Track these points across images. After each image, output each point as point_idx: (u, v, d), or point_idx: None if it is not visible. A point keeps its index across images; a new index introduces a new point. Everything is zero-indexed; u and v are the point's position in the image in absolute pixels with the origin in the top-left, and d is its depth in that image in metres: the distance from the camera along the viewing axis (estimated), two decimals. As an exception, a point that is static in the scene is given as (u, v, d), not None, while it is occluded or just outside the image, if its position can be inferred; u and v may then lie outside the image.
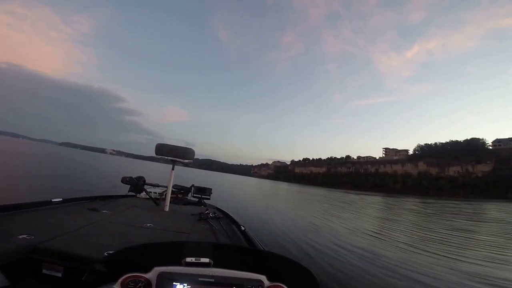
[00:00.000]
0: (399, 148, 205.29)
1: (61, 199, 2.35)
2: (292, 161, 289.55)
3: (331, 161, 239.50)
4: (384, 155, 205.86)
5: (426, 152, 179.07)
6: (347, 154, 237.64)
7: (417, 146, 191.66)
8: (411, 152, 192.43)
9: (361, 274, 5.50)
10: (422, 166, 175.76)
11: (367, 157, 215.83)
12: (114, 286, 0.76)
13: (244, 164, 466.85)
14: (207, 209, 2.88)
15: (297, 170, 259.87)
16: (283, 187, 55.02)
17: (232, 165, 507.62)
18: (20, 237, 1.34)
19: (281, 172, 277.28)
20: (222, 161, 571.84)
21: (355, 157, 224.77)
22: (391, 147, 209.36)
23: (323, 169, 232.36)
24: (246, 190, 33.19)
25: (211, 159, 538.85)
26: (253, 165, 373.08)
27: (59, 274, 1.20)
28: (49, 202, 2.21)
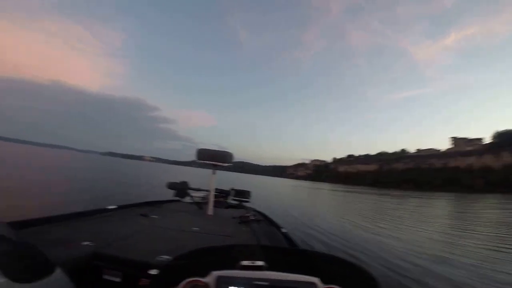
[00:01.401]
0: (470, 137, 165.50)
1: (115, 206, 2.52)
2: (334, 159, 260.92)
3: (382, 156, 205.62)
4: (453, 146, 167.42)
5: (508, 140, 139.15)
6: (401, 148, 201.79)
7: (496, 133, 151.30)
8: (487, 140, 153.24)
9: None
10: (507, 157, 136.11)
11: (429, 149, 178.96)
12: None
13: (278, 165, 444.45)
14: (247, 212, 2.96)
15: (341, 168, 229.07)
16: (326, 189, 49.21)
17: (265, 166, 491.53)
18: (83, 243, 1.41)
19: (321, 171, 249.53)
20: (254, 163, 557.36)
21: (413, 151, 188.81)
22: (459, 136, 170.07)
23: (373, 166, 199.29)
24: (281, 192, 27.74)
25: (243, 161, 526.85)
26: (288, 165, 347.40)
27: (118, 279, 1.25)
28: (106, 210, 2.38)
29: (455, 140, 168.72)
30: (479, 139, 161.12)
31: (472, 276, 4.99)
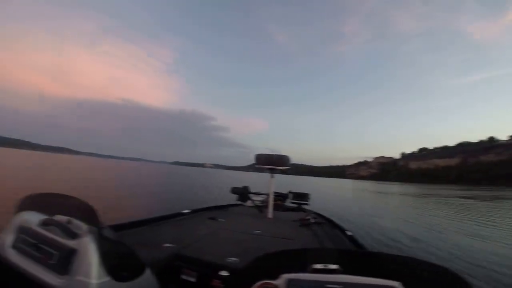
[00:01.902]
0: None
1: (189, 211, 2.73)
2: (404, 154, 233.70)
3: (465, 147, 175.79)
4: None
5: None
6: (489, 136, 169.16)
7: None
8: None
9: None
10: None
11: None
12: None
13: (335, 165, 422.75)
14: (307, 215, 2.96)
15: (413, 165, 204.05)
16: (398, 192, 35.75)
17: (322, 167, 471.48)
18: (165, 245, 1.53)
19: (389, 170, 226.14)
20: (309, 164, 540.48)
21: (505, 138, 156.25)
22: None
23: (454, 160, 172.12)
24: (342, 197, 22.44)
25: (297, 163, 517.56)
26: (347, 165, 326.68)
27: (193, 279, 1.33)
28: (181, 214, 2.59)
29: None
30: None
31: None
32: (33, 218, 0.94)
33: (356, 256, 1.11)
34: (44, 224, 0.91)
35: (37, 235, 0.90)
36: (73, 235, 0.83)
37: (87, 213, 0.87)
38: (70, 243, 0.82)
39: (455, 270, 0.83)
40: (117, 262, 0.86)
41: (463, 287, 0.81)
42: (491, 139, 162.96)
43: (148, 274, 0.95)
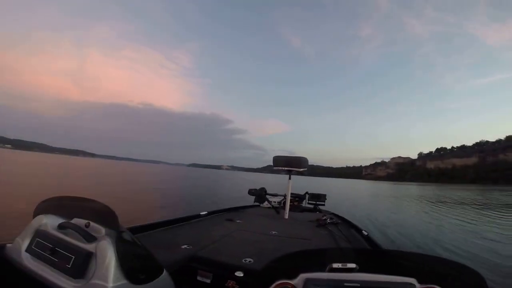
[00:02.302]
0: None
1: (206, 212, 2.73)
2: (421, 154, 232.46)
3: (483, 146, 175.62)
4: None
5: None
6: (507, 135, 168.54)
7: None
8: None
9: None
10: None
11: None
12: None
13: (352, 165, 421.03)
14: (324, 215, 2.97)
15: (430, 165, 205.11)
16: (419, 192, 37.53)
17: (338, 168, 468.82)
18: (182, 247, 1.55)
19: (406, 170, 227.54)
20: (325, 165, 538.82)
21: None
22: None
23: (472, 160, 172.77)
24: (358, 198, 23.60)
25: (313, 165, 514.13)
26: (364, 165, 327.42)
27: (209, 281, 1.32)
28: (198, 215, 2.59)
29: None
30: None
31: None
32: (50, 222, 0.93)
33: (372, 254, 1.18)
34: (61, 227, 0.90)
35: (54, 239, 0.89)
36: (91, 239, 0.82)
37: (106, 216, 0.86)
38: (88, 246, 0.82)
39: (467, 264, 0.86)
40: (135, 264, 0.86)
41: (476, 280, 0.83)
42: (509, 138, 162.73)
43: (165, 276, 0.96)
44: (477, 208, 15.43)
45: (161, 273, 0.94)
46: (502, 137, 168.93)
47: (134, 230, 1.70)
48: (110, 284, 0.74)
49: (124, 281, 0.77)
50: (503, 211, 13.91)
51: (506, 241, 6.80)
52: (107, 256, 0.78)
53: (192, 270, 1.36)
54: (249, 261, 1.39)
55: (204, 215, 2.67)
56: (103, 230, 0.82)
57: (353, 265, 0.81)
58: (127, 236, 0.89)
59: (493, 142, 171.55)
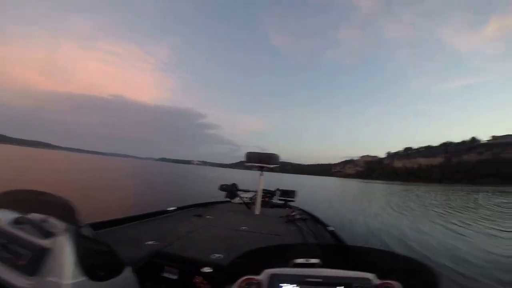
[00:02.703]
0: None
1: (174, 208, 2.70)
2: (389, 153, 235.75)
3: (448, 147, 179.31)
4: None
5: None
6: (471, 136, 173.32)
7: None
8: None
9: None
10: None
11: (508, 135, 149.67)
12: None
13: (322, 163, 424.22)
14: (293, 211, 3.05)
15: (398, 164, 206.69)
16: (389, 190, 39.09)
17: (308, 165, 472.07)
18: (147, 243, 1.53)
19: (374, 168, 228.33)
20: (296, 162, 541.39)
21: (487, 138, 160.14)
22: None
23: (438, 160, 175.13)
24: (326, 194, 23.50)
25: (284, 161, 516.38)
26: (334, 163, 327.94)
27: (175, 277, 1.32)
28: (166, 211, 2.56)
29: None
30: None
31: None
32: (4, 217, 0.88)
33: (335, 250, 1.18)
34: (16, 222, 0.85)
35: (6, 234, 0.84)
36: (49, 234, 0.78)
37: (65, 211, 0.82)
38: (44, 242, 0.78)
39: (423, 261, 0.91)
40: (95, 261, 0.83)
41: (430, 277, 0.88)
42: (473, 139, 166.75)
43: (127, 273, 0.93)
44: (440, 207, 16.01)
45: (123, 269, 0.91)
46: (466, 138, 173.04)
47: (96, 226, 1.66)
48: (68, 281, 0.71)
49: (82, 278, 0.74)
50: (465, 211, 13.71)
51: (466, 240, 7.00)
52: (65, 252, 0.74)
53: (157, 266, 1.34)
54: (218, 257, 1.38)
55: (172, 211, 2.62)
56: (61, 225, 0.78)
57: (315, 260, 0.83)
58: (87, 231, 0.85)
59: (458, 143, 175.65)
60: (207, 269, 1.22)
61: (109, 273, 0.85)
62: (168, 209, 2.60)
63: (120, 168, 40.78)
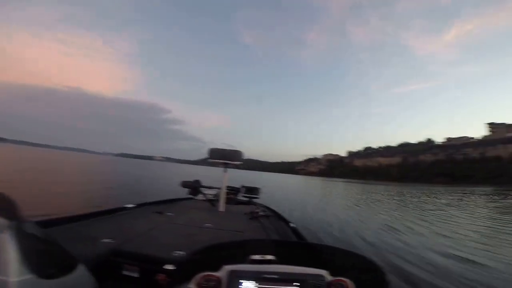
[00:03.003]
0: (509, 123, 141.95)
1: (133, 205, 2.63)
2: (350, 152, 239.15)
3: (406, 148, 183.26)
4: (491, 133, 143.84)
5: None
6: (427, 137, 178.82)
7: None
8: None
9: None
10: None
11: (461, 137, 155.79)
12: (190, 286, 0.81)
13: (287, 161, 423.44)
14: (257, 208, 3.10)
15: (358, 162, 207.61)
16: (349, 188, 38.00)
17: (273, 163, 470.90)
18: (104, 240, 1.47)
19: (335, 166, 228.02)
20: (262, 159, 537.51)
21: (440, 141, 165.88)
22: (497, 122, 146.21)
23: (396, 159, 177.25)
24: (289, 192, 24.74)
25: (250, 159, 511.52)
26: (298, 161, 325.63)
27: (136, 275, 1.29)
28: (124, 208, 2.48)
29: (493, 126, 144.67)
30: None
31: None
32: None
33: (290, 246, 1.21)
34: None
35: None
36: None
37: (5, 207, 0.77)
38: None
39: (371, 257, 0.94)
40: (42, 258, 0.80)
41: (377, 273, 0.93)
42: (429, 140, 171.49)
43: (81, 270, 0.91)
44: (396, 205, 16.24)
45: (76, 267, 0.89)
46: (423, 139, 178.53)
47: (46, 223, 1.61)
48: (14, 278, 0.69)
49: (29, 276, 0.72)
50: (422, 209, 14.38)
51: (418, 240, 7.13)
52: (7, 249, 0.71)
53: (115, 264, 1.32)
54: (181, 254, 1.36)
55: (131, 208, 2.54)
56: (2, 222, 0.75)
57: (271, 257, 0.84)
58: (31, 228, 0.82)
59: (416, 144, 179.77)
60: (169, 267, 1.19)
61: (59, 270, 0.82)
62: (126, 206, 2.50)
63: (72, 163, 37.41)
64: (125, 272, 1.30)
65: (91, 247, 1.35)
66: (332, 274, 0.85)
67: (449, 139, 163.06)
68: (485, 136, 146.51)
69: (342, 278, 0.84)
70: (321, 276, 0.83)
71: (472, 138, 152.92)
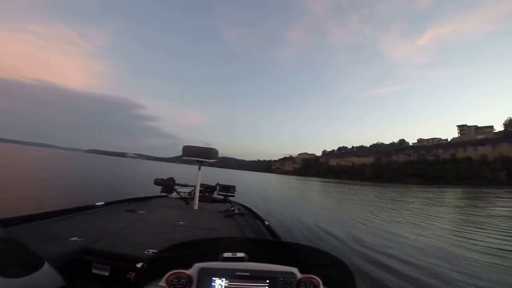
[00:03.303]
0: (480, 125, 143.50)
1: (103, 203, 2.57)
2: (324, 152, 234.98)
3: (379, 148, 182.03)
4: (460, 135, 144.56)
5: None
6: (400, 138, 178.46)
7: (508, 119, 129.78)
8: (496, 128, 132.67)
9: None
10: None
11: (433, 139, 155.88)
12: (160, 284, 0.79)
13: (263, 159, 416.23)
14: (232, 206, 3.10)
15: (333, 162, 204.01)
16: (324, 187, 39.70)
17: (250, 161, 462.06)
18: (72, 239, 1.44)
19: (310, 166, 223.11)
20: (238, 158, 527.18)
21: (413, 142, 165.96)
22: (469, 124, 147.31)
23: (369, 159, 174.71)
24: (264, 190, 24.80)
25: (227, 157, 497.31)
26: (274, 160, 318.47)
27: (107, 273, 1.27)
28: (94, 206, 2.43)
29: (463, 128, 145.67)
30: (490, 127, 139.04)
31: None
32: None
33: (261, 244, 1.21)
34: None
35: None
36: None
37: None
38: None
39: (338, 255, 0.97)
40: (3, 257, 0.79)
41: (344, 271, 0.96)
42: (402, 141, 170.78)
43: (47, 269, 0.89)
44: (369, 204, 16.25)
45: (42, 266, 0.87)
46: (395, 140, 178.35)
47: (10, 221, 1.57)
48: None
49: None
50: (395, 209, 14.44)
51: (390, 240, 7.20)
52: None
53: (85, 263, 1.29)
54: (153, 252, 1.34)
55: (101, 206, 2.49)
56: None
57: (242, 254, 0.85)
58: None
59: (388, 144, 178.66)
60: (142, 265, 1.14)
61: (23, 269, 0.80)
62: (96, 204, 2.45)
63: (37, 158, 35.35)
64: (95, 271, 1.27)
65: (59, 246, 1.31)
66: (302, 272, 0.86)
67: (420, 140, 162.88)
68: (455, 138, 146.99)
69: (311, 276, 0.85)
70: (292, 273, 0.84)
71: (446, 139, 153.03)
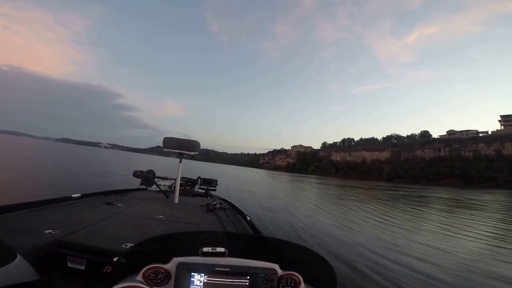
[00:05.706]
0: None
1: (79, 195, 2.47)
2: (325, 144, 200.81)
3: (395, 141, 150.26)
4: (504, 127, 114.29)
5: None
6: (423, 129, 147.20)
7: None
8: None
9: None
10: None
11: (467, 131, 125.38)
12: (137, 278, 0.77)
13: (247, 153, 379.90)
14: (214, 200, 3.01)
15: (336, 156, 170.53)
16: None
17: (233, 154, 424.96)
18: (46, 232, 1.39)
19: (308, 161, 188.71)
20: (220, 151, 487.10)
21: (440, 134, 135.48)
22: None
23: (384, 154, 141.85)
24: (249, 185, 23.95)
25: (207, 149, 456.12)
26: (262, 153, 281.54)
27: (82, 267, 1.23)
28: (69, 198, 2.33)
29: (506, 119, 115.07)
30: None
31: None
32: None
33: (242, 239, 1.19)
34: None
35: None
36: None
37: None
38: None
39: (319, 252, 0.95)
40: None
41: (325, 267, 0.94)
42: (425, 133, 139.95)
43: (19, 262, 0.87)
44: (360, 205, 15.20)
45: (14, 258, 0.85)
46: (416, 132, 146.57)
47: None
48: None
49: None
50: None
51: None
52: None
53: (59, 256, 1.25)
54: (131, 246, 1.28)
55: (77, 198, 2.40)
56: None
57: (221, 249, 0.81)
58: None
59: (405, 137, 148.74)
60: (119, 259, 1.10)
61: None
62: (72, 195, 2.35)
63: (3, 147, 33.84)
64: (71, 265, 1.24)
65: (33, 238, 1.27)
66: (283, 268, 0.84)
67: (451, 132, 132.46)
68: (499, 130, 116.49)
69: (292, 272, 0.84)
70: (273, 270, 0.82)
71: (485, 132, 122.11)
